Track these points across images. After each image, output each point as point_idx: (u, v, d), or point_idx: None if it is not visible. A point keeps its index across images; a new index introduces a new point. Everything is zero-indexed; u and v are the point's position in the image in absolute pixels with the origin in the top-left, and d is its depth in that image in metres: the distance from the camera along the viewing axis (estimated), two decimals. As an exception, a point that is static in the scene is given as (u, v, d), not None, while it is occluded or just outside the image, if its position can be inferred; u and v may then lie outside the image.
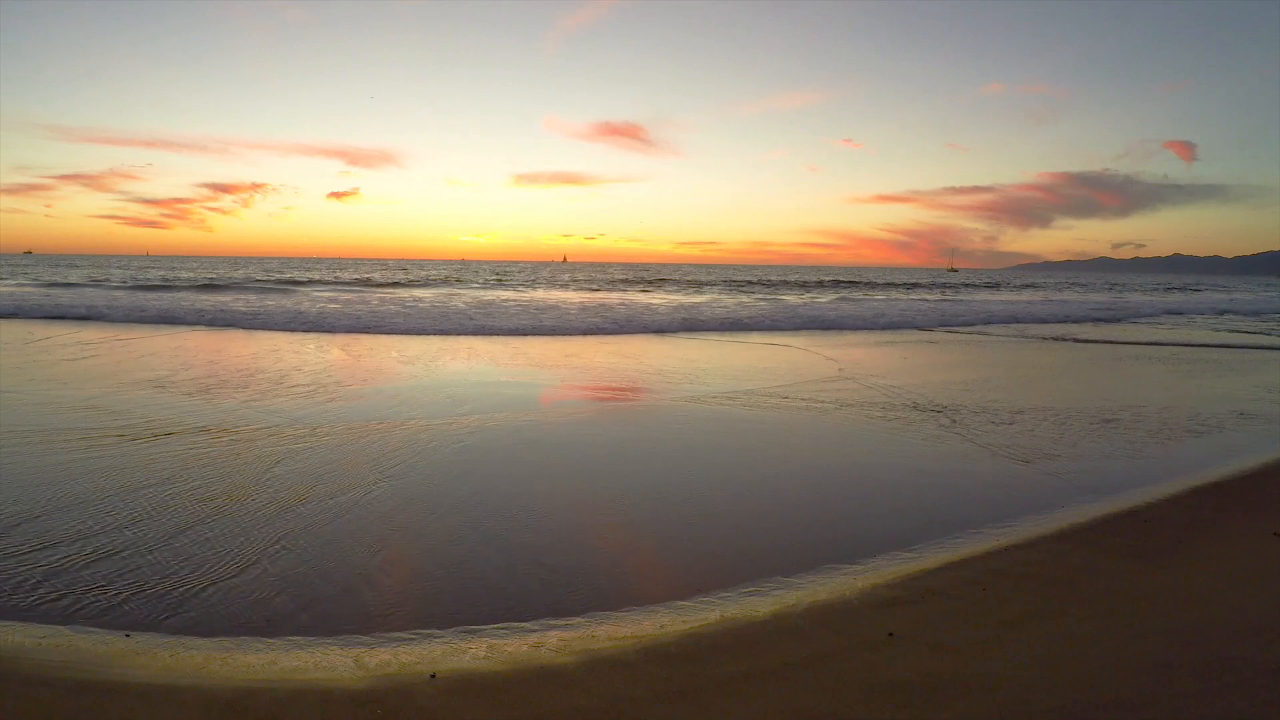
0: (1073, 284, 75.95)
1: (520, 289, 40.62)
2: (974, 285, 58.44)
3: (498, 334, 17.67)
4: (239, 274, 48.06)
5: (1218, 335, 20.96)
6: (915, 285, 55.11)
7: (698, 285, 48.04)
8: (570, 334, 18.22)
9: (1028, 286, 61.05)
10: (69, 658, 3.11)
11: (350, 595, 3.75)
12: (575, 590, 3.86)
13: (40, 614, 3.51)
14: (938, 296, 40.13)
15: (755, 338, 17.81)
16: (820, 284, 52.37)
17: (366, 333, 17.21)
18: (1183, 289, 63.07)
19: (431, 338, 16.54)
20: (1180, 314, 31.17)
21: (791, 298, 35.70)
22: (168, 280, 38.12)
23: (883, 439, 7.23)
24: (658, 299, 32.74)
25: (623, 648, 3.21)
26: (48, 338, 14.74)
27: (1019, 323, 24.55)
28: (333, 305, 23.31)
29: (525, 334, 17.84)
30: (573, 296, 33.84)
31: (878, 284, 54.48)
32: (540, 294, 35.88)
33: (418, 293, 33.93)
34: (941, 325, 22.70)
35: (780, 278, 64.50)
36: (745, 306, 27.37)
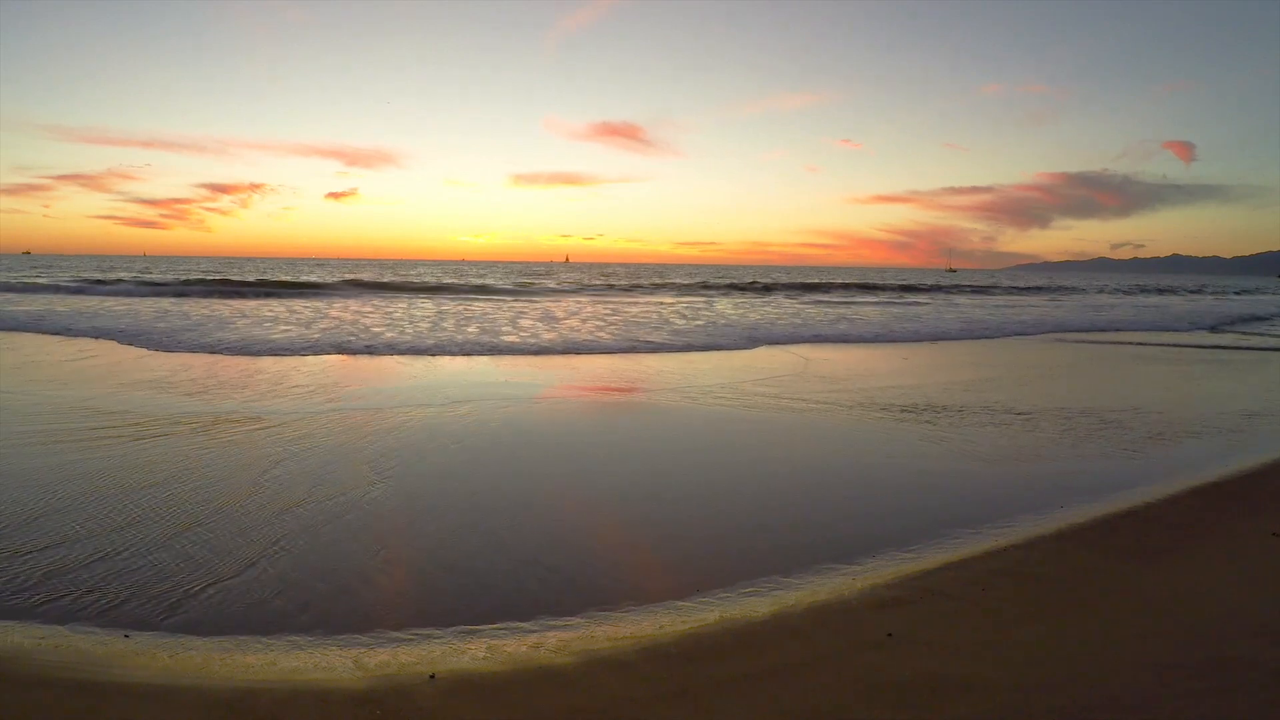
0: (1100, 286, 69.44)
1: (614, 295, 36.68)
2: (1028, 290, 52.64)
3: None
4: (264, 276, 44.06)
5: (1220, 336, 20.97)
6: (978, 289, 50.24)
7: (744, 289, 43.79)
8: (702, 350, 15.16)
9: (1065, 289, 56.43)
10: (69, 658, 3.10)
11: (349, 595, 3.74)
12: (574, 590, 3.86)
13: (40, 614, 3.51)
14: (1002, 301, 37.75)
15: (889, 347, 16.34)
16: (869, 287, 47.59)
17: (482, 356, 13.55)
18: (1199, 290, 59.93)
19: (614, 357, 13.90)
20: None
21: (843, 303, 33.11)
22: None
23: (882, 439, 7.23)
24: (730, 305, 30.03)
25: (622, 648, 3.21)
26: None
27: (1164, 330, 22.38)
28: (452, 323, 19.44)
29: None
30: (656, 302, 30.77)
31: (922, 287, 49.30)
32: (634, 300, 32.79)
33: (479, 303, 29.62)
34: (1038, 332, 21.01)
35: (809, 279, 58.97)
36: (854, 315, 25.03)
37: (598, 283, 47.33)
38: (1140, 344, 18.00)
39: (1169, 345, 17.79)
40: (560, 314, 23.28)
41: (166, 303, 24.98)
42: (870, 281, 53.21)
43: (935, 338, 18.69)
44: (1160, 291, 56.34)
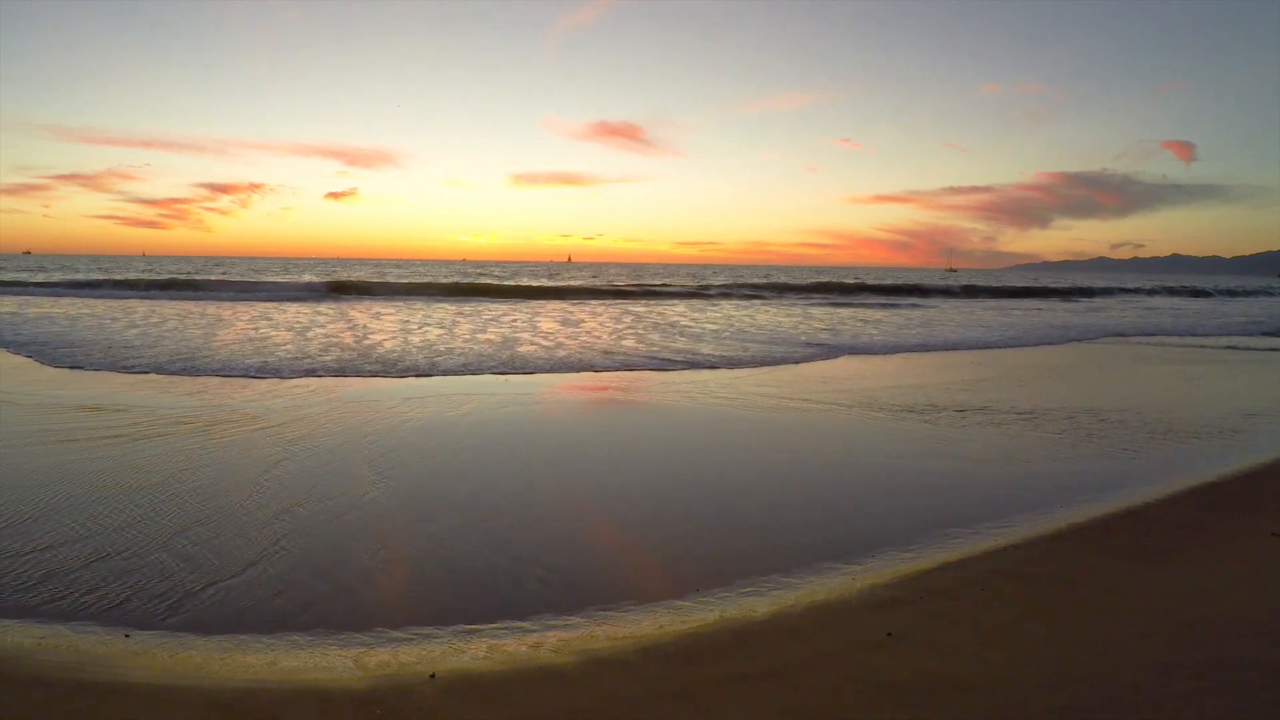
0: (1117, 286, 60.74)
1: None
2: (1073, 293, 47.75)
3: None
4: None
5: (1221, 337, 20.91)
6: (1016, 293, 46.05)
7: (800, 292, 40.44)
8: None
9: (1100, 291, 51.28)
10: (69, 658, 3.11)
11: (350, 595, 3.75)
12: (574, 590, 3.86)
13: (40, 614, 3.51)
14: (1045, 304, 35.43)
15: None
16: (886, 289, 43.55)
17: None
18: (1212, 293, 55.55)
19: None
20: None
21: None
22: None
23: (882, 439, 7.23)
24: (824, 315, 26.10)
25: (622, 648, 3.21)
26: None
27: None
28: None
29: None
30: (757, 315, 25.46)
31: (955, 290, 44.80)
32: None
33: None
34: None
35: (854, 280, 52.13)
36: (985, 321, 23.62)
37: (607, 283, 44.33)
38: (1212, 347, 17.26)
39: (1248, 349, 16.90)
40: (599, 323, 20.62)
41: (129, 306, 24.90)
42: (885, 283, 48.40)
43: (1015, 344, 17.25)
44: (1173, 292, 53.37)
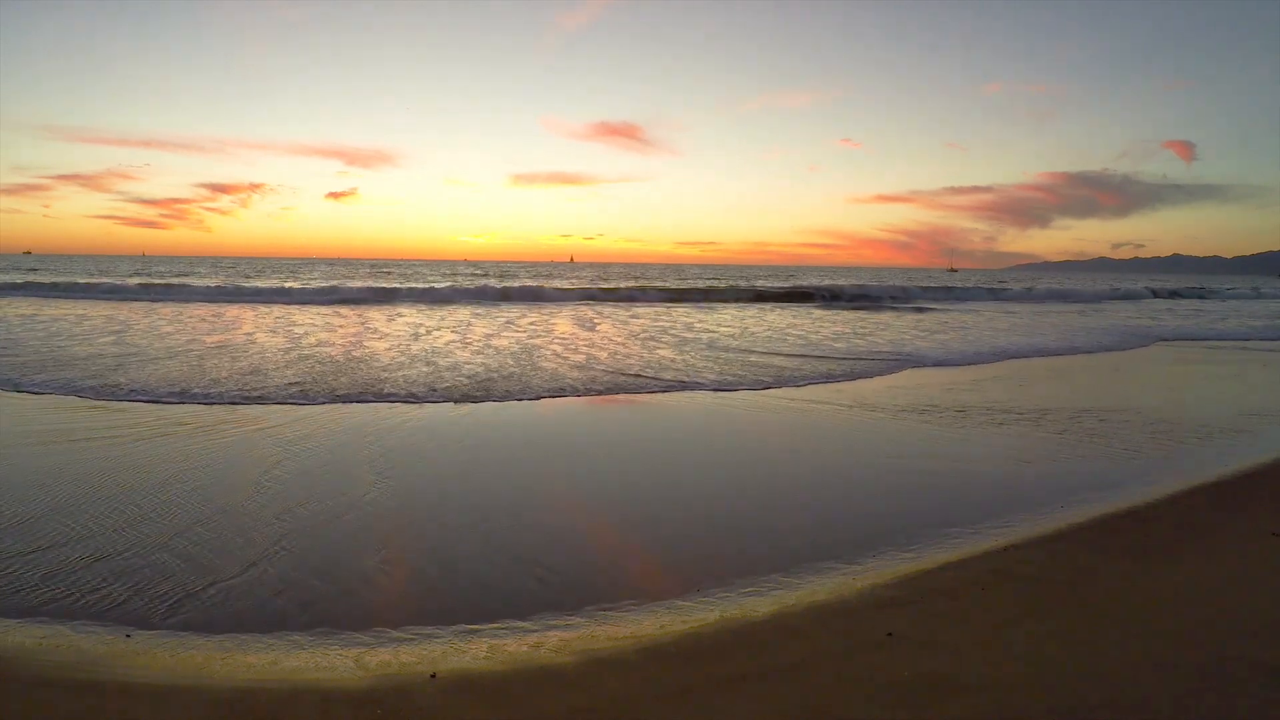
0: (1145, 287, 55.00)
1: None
2: (1126, 297, 44.15)
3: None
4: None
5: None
6: (1052, 296, 42.78)
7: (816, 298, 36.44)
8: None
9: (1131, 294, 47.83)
10: (69, 658, 3.11)
11: (350, 595, 3.75)
12: (575, 590, 3.86)
13: (41, 614, 3.51)
14: (1106, 308, 33.36)
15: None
16: (905, 293, 39.46)
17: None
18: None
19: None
20: None
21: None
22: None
23: (883, 439, 7.23)
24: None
25: (622, 648, 3.22)
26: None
27: None
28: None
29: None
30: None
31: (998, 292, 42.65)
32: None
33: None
34: None
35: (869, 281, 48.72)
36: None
37: (643, 285, 41.13)
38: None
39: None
40: (632, 329, 18.66)
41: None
42: (900, 284, 45.55)
43: (1106, 349, 16.15)
44: (1201, 295, 50.02)
